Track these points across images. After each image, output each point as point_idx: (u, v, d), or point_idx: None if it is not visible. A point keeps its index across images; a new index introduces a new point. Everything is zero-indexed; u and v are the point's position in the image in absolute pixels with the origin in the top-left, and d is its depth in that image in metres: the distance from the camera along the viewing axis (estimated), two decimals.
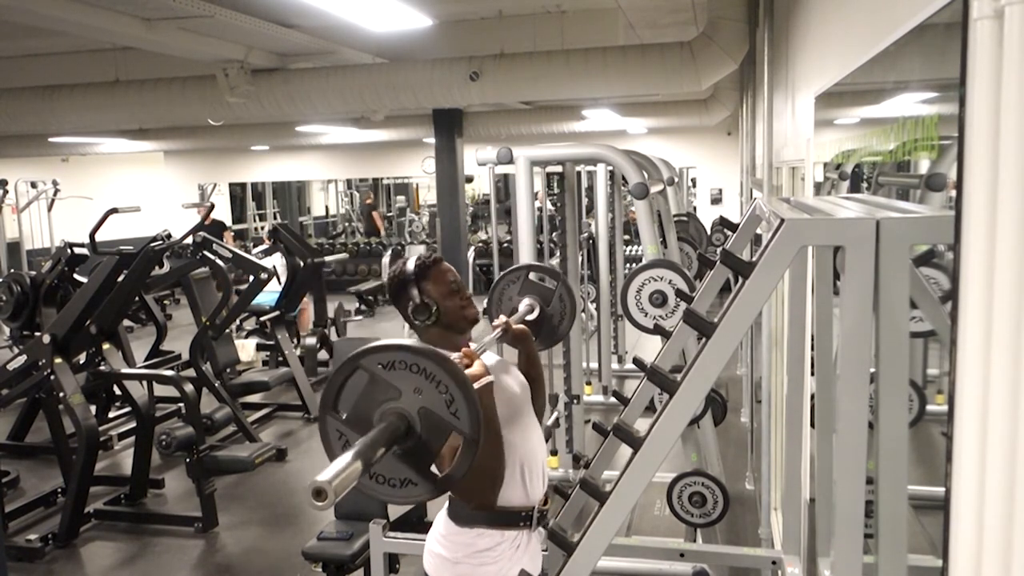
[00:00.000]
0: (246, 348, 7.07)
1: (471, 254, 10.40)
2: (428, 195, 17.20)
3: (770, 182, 3.52)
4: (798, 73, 3.21)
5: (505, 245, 10.96)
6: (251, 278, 5.73)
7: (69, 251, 5.43)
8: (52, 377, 4.41)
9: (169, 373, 5.10)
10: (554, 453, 4.88)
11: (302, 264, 7.08)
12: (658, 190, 5.13)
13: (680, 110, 9.80)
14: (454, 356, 1.54)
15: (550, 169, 4.96)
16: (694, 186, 13.40)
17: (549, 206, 6.21)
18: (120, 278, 4.68)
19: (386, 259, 10.64)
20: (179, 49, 5.57)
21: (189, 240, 5.41)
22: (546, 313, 2.46)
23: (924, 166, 1.41)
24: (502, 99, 7.08)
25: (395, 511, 3.50)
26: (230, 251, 5.72)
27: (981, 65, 0.73)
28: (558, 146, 4.30)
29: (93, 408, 5.33)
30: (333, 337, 7.94)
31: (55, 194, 11.70)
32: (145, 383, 4.86)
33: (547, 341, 2.59)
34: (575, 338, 4.47)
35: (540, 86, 6.11)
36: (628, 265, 7.68)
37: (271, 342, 7.03)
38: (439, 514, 2.06)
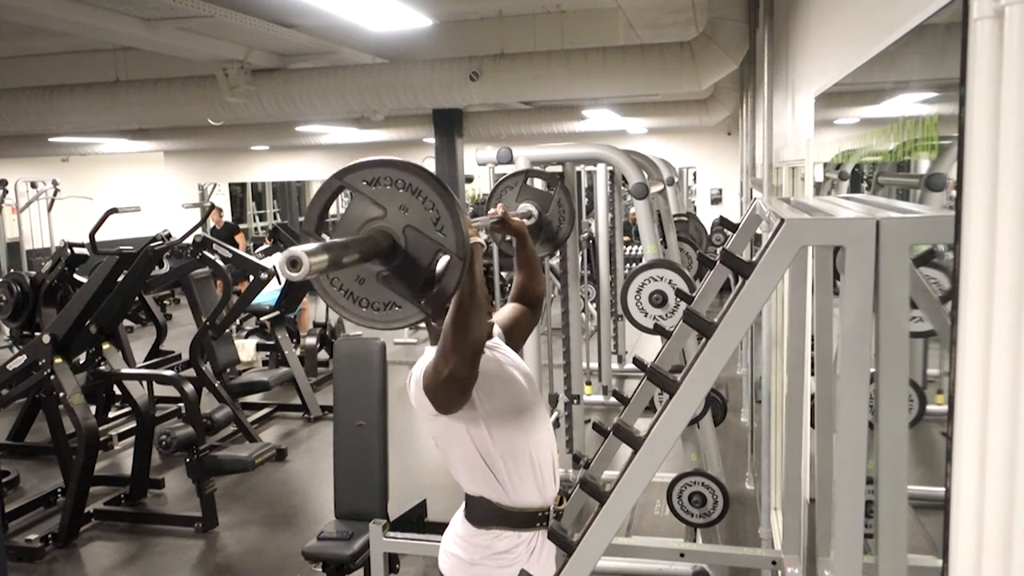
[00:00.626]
0: (246, 348, 7.07)
1: None
2: None
3: (770, 182, 3.52)
4: (798, 73, 3.21)
5: None
6: (251, 278, 5.74)
7: (69, 251, 5.42)
8: (52, 377, 4.41)
9: (169, 373, 5.09)
10: None
11: None
12: (658, 190, 5.13)
13: (680, 110, 9.81)
14: None
15: (550, 169, 4.95)
16: (694, 181, 13.39)
17: None
18: (120, 278, 4.68)
19: None
20: (179, 49, 5.58)
21: (190, 240, 5.43)
22: (544, 218, 2.45)
23: (924, 166, 1.41)
24: (502, 99, 7.08)
25: (395, 511, 3.49)
26: (230, 251, 5.72)
27: (981, 65, 0.73)
28: (558, 146, 4.30)
29: (93, 408, 5.33)
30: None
31: (55, 194, 11.67)
32: (145, 383, 4.86)
33: (548, 246, 2.58)
34: (575, 338, 4.47)
35: (540, 86, 6.11)
36: (628, 265, 7.68)
37: (271, 342, 7.02)
38: (456, 515, 2.04)
